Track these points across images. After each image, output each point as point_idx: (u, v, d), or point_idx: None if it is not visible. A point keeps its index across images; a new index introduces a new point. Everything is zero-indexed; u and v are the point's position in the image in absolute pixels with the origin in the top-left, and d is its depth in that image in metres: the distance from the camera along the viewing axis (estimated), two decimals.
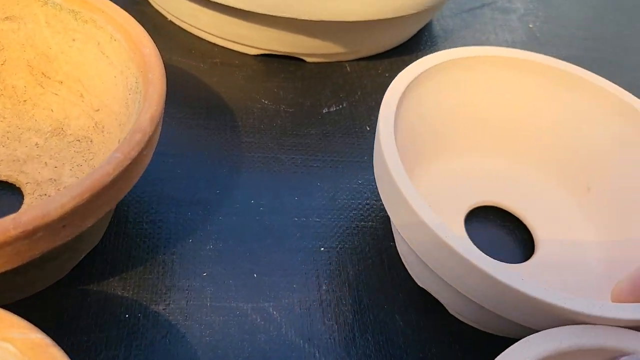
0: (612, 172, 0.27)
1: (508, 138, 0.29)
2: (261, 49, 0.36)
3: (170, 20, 0.38)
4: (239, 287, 0.25)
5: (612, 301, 0.20)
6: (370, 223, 0.28)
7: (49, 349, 0.15)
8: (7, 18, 0.27)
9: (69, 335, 0.22)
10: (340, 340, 0.24)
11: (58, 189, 0.25)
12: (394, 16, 0.33)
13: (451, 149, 0.29)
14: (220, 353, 0.23)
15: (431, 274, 0.23)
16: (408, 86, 0.24)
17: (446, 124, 0.28)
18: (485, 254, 0.27)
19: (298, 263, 0.26)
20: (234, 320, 0.24)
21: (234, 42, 0.36)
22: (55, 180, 0.26)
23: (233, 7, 0.32)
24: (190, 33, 0.37)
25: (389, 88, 0.24)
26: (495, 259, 0.26)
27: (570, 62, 0.28)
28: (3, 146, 0.27)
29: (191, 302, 0.24)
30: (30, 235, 0.17)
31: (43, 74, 0.27)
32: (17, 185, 0.26)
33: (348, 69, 0.37)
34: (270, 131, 0.32)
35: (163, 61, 0.23)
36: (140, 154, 0.20)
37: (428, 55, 0.27)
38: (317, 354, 0.23)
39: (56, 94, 0.28)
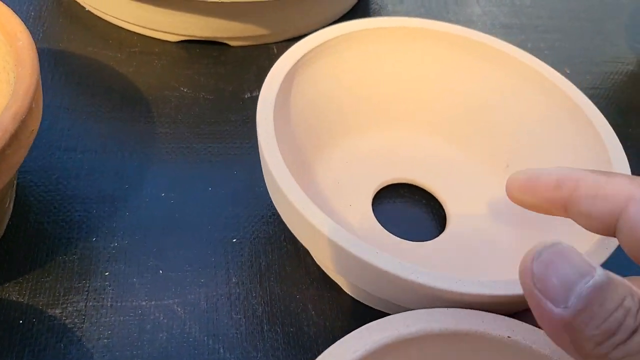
0: (531, 150, 0.26)
1: (421, 113, 0.28)
2: (181, 35, 0.34)
3: (87, 10, 0.36)
4: (143, 285, 0.24)
5: (507, 192, 0.20)
6: None
7: None
8: None
9: None
10: (248, 334, 0.23)
11: None
12: None
13: (361, 125, 0.28)
14: (117, 355, 0.22)
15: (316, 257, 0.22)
16: (297, 63, 0.23)
17: (351, 101, 0.27)
18: (395, 231, 0.26)
19: (207, 256, 0.25)
20: (134, 319, 0.23)
21: (152, 29, 0.34)
22: None
23: None
24: (109, 22, 0.36)
25: (272, 68, 0.23)
26: (404, 236, 0.26)
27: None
28: None
29: (90, 304, 0.23)
30: None
31: None
32: None
33: (275, 50, 0.36)
34: (187, 120, 0.31)
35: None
36: (2, 153, 0.19)
37: (322, 29, 0.25)
38: (221, 350, 0.22)
39: None
